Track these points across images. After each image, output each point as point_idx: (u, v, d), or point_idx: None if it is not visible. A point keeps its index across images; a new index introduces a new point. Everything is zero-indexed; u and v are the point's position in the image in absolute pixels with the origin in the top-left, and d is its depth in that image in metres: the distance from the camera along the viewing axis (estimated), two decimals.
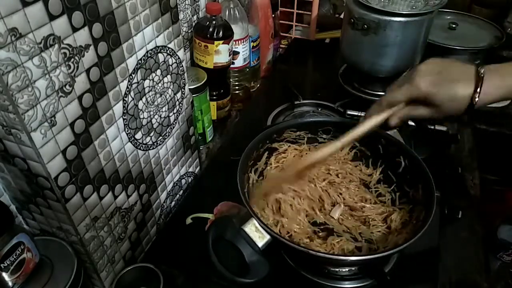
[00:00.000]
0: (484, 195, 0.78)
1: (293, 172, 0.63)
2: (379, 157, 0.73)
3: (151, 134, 0.65)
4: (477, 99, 0.53)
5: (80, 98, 0.48)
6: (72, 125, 0.48)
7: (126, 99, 0.56)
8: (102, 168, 0.55)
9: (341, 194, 0.71)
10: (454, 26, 1.12)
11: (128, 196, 0.63)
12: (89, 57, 0.48)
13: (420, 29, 0.90)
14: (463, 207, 0.74)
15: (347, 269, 0.63)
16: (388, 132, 0.72)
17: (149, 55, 0.58)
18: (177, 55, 0.65)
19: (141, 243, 0.70)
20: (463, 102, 0.54)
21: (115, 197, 0.60)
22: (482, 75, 0.53)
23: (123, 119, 0.57)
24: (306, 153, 0.74)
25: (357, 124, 0.61)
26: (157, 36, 0.59)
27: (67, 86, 0.46)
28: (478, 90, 0.52)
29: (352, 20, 0.92)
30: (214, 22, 0.84)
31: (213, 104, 0.94)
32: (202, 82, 0.82)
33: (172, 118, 0.69)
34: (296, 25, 1.26)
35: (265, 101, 1.07)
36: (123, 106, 0.56)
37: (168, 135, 0.70)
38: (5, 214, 0.49)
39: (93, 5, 0.46)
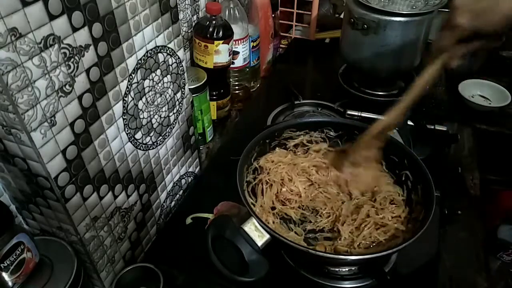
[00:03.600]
0: (484, 195, 0.78)
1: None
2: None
3: (151, 134, 0.65)
4: None
5: (80, 98, 0.48)
6: (72, 125, 0.48)
7: (126, 99, 0.56)
8: (102, 168, 0.55)
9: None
10: None
11: (128, 196, 0.63)
12: (89, 57, 0.48)
13: (420, 29, 0.90)
14: (463, 207, 0.74)
15: (347, 269, 0.63)
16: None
17: (149, 55, 0.58)
18: (177, 55, 0.65)
19: (141, 243, 0.70)
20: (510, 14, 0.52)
21: (115, 197, 0.60)
22: None
23: (123, 119, 0.57)
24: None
25: (416, 79, 0.62)
26: (157, 36, 0.59)
27: (67, 86, 0.46)
28: None
29: (352, 20, 0.92)
30: (214, 22, 0.84)
31: (213, 104, 0.94)
32: (202, 82, 0.82)
33: (172, 118, 0.69)
34: (296, 25, 1.26)
35: (265, 101, 1.07)
36: (123, 106, 0.56)
37: (168, 135, 0.70)
38: (5, 214, 0.49)
39: (93, 5, 0.46)
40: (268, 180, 0.70)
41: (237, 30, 0.92)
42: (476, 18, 0.53)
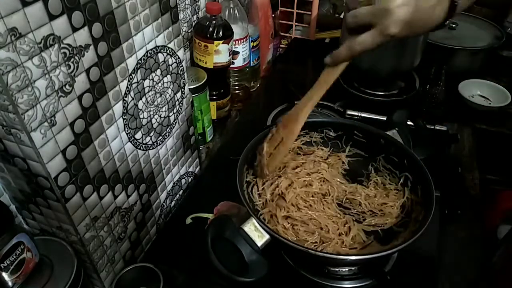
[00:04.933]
0: (484, 195, 0.78)
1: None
2: (378, 158, 0.73)
3: (151, 134, 0.65)
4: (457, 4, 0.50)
5: (80, 98, 0.48)
6: (72, 125, 0.48)
7: (126, 99, 0.56)
8: (102, 168, 0.55)
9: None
10: (454, 26, 1.12)
11: (128, 196, 0.63)
12: (89, 57, 0.48)
13: None
14: (463, 207, 0.74)
15: (347, 269, 0.63)
16: (388, 133, 0.72)
17: (149, 55, 0.58)
18: (177, 55, 0.65)
19: (141, 243, 0.70)
20: (440, 16, 0.51)
21: (115, 197, 0.60)
22: None
23: (123, 119, 0.57)
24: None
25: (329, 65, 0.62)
26: (157, 36, 0.59)
27: (67, 86, 0.46)
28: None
29: None
30: (214, 22, 0.84)
31: (213, 104, 0.94)
32: (202, 82, 0.82)
33: (172, 118, 0.69)
34: (296, 25, 1.26)
35: (265, 101, 1.07)
36: (123, 106, 0.56)
37: (168, 135, 0.70)
38: (5, 214, 0.49)
39: (93, 5, 0.46)
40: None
41: (237, 30, 0.92)
42: (409, 28, 0.51)
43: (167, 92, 0.66)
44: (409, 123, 0.85)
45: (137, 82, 0.58)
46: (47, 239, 0.58)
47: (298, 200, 0.67)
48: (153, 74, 0.61)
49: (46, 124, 0.45)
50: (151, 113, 0.63)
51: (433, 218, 0.56)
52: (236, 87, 1.04)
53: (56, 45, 0.43)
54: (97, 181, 0.55)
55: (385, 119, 0.88)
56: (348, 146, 0.76)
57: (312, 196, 0.69)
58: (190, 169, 0.82)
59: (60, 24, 0.43)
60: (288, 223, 0.65)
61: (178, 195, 0.80)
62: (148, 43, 0.58)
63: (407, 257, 0.65)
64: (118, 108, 0.55)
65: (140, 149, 0.63)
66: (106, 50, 0.50)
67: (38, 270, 0.53)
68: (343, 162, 0.76)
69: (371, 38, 0.53)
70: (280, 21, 1.21)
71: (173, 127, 0.70)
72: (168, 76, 0.65)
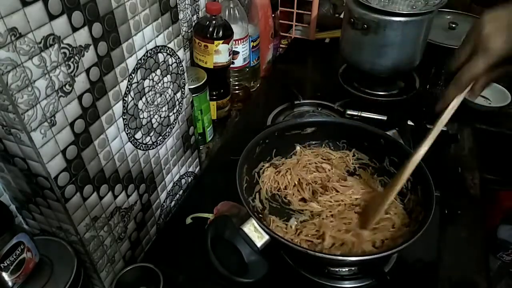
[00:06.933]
0: (484, 195, 0.78)
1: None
2: (378, 158, 0.73)
3: (151, 134, 0.65)
4: None
5: (80, 98, 0.48)
6: (72, 125, 0.48)
7: (126, 98, 0.56)
8: (102, 168, 0.55)
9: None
10: (454, 26, 1.12)
11: (128, 196, 0.63)
12: (89, 57, 0.48)
13: (420, 29, 0.90)
14: (463, 207, 0.74)
15: (347, 269, 0.63)
16: (388, 133, 0.72)
17: (149, 55, 0.58)
18: (177, 55, 0.65)
19: (141, 243, 0.70)
20: None
21: (115, 197, 0.60)
22: None
23: (123, 119, 0.57)
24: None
25: (441, 111, 0.60)
26: (157, 36, 0.59)
27: (67, 86, 0.46)
28: None
29: (352, 20, 0.92)
30: (214, 22, 0.84)
31: (213, 104, 0.94)
32: (202, 82, 0.82)
33: (172, 118, 0.69)
34: (296, 25, 1.26)
35: (265, 101, 1.07)
36: (123, 106, 0.56)
37: (168, 135, 0.70)
38: (5, 214, 0.49)
39: (93, 5, 0.46)
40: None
41: (237, 30, 0.92)
42: (510, 43, 0.51)
43: (167, 92, 0.66)
44: (409, 123, 0.85)
45: (137, 82, 0.58)
46: (47, 239, 0.58)
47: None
48: (153, 74, 0.61)
49: (46, 124, 0.45)
50: (151, 113, 0.63)
51: (433, 218, 0.56)
52: (236, 87, 1.04)
53: (56, 45, 0.43)
54: (97, 181, 0.55)
55: (385, 119, 0.88)
56: (353, 149, 0.76)
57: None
58: (190, 169, 0.82)
59: (60, 24, 0.43)
60: None
61: (178, 195, 0.80)
62: (148, 43, 0.58)
63: (407, 257, 0.65)
64: (118, 108, 0.55)
65: (140, 149, 0.63)
66: (106, 50, 0.50)
67: (38, 270, 0.53)
68: (346, 163, 0.76)
69: (476, 61, 0.53)
70: (280, 21, 1.21)
71: (173, 127, 0.70)
72: (168, 76, 0.65)
